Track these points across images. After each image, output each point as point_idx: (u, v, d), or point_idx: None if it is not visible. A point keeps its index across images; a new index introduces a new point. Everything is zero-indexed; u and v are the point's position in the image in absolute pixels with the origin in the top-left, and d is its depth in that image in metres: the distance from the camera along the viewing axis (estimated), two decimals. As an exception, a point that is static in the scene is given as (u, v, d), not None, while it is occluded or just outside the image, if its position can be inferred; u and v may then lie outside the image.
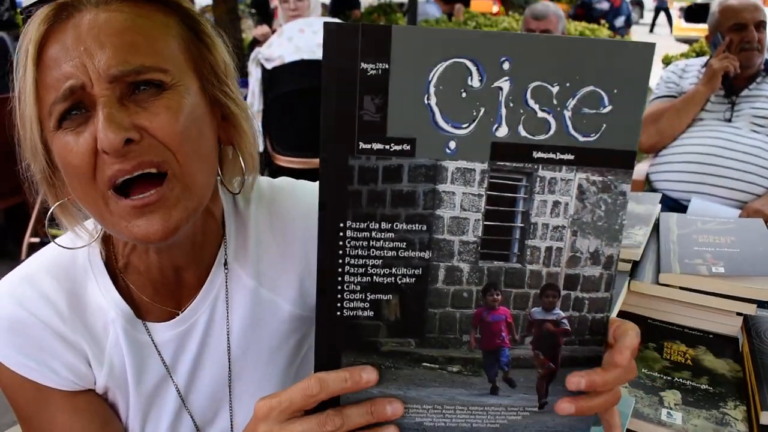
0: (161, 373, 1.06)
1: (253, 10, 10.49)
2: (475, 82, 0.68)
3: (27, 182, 0.97)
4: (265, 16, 8.95)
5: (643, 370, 1.23)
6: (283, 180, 1.18)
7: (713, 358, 1.27)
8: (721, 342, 1.31)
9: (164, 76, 0.88)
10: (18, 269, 1.03)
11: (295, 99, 3.85)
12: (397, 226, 0.71)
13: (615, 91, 0.69)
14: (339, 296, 0.72)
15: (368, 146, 0.68)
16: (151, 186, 0.86)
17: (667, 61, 6.48)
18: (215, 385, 1.10)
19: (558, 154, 0.71)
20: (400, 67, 0.67)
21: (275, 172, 3.82)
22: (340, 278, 0.71)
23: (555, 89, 0.69)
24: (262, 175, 1.16)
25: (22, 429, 1.06)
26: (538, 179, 0.71)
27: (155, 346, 1.05)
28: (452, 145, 0.69)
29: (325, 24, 0.65)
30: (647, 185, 3.37)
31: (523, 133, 0.70)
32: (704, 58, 3.36)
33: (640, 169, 3.50)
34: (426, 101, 0.68)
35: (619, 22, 9.65)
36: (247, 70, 4.27)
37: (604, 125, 0.70)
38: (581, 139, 0.70)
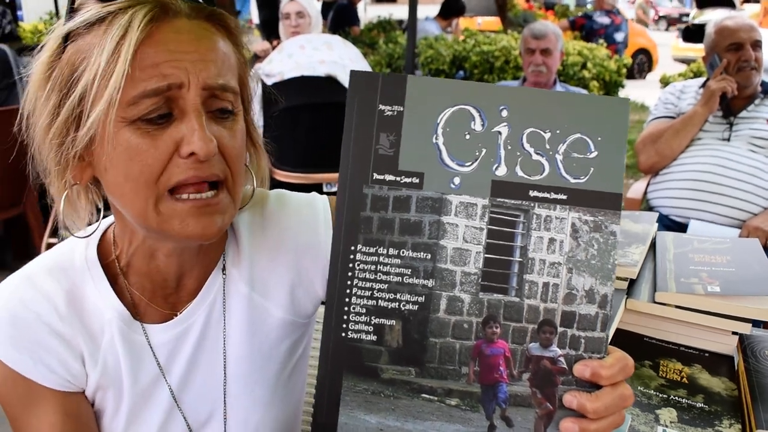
0: (154, 373, 1.09)
1: (257, 23, 10.50)
2: (477, 126, 0.76)
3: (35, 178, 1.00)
4: (273, 34, 8.95)
5: (639, 388, 1.24)
6: (276, 190, 1.22)
7: (709, 376, 1.28)
8: (716, 360, 1.32)
9: (234, 101, 0.98)
10: (19, 271, 1.07)
11: (294, 115, 3.86)
12: (403, 252, 0.76)
13: (599, 138, 0.75)
14: (345, 317, 0.76)
15: (381, 177, 0.76)
16: (202, 191, 0.94)
17: (665, 82, 6.50)
18: (209, 387, 1.12)
19: (552, 193, 0.76)
20: (413, 110, 0.75)
21: (274, 186, 3.78)
22: (347, 299, 0.76)
23: (547, 135, 0.76)
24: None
25: (11, 427, 1.07)
26: (535, 216, 0.77)
27: (150, 347, 1.08)
28: (456, 180, 0.76)
29: (352, 71, 0.76)
30: (644, 204, 3.38)
31: (520, 173, 0.76)
32: (701, 79, 3.37)
33: (637, 188, 3.51)
34: (434, 140, 0.76)
35: (620, 37, 9.79)
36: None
37: (592, 169, 0.76)
38: (572, 180, 0.76)
